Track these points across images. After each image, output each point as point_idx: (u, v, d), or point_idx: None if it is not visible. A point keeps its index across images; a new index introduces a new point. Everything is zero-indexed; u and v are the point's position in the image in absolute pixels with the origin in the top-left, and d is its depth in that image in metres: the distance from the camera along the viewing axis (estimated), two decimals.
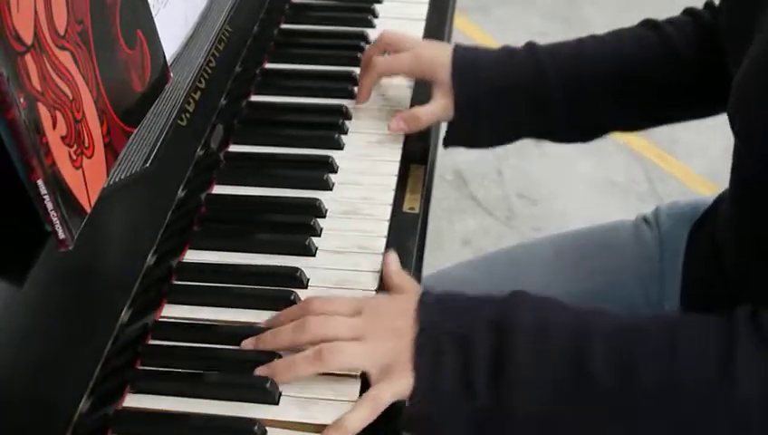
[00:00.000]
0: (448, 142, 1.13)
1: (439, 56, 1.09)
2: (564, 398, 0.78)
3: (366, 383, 0.81)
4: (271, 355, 0.83)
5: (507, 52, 1.11)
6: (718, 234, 1.05)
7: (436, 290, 0.84)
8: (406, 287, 0.88)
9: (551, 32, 3.02)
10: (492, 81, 1.08)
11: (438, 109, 1.08)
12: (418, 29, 1.29)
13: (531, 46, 1.11)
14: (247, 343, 0.83)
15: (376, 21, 1.31)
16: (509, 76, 1.08)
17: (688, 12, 1.13)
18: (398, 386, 0.79)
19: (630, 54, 1.10)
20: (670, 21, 1.13)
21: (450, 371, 0.78)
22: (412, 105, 1.14)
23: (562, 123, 1.13)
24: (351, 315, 0.83)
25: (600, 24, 3.02)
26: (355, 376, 0.82)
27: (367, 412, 0.78)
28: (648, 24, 1.13)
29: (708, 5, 1.12)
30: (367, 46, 1.24)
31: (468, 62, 1.08)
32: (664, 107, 1.14)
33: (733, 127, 0.88)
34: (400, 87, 1.17)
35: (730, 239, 1.01)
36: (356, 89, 1.14)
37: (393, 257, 0.92)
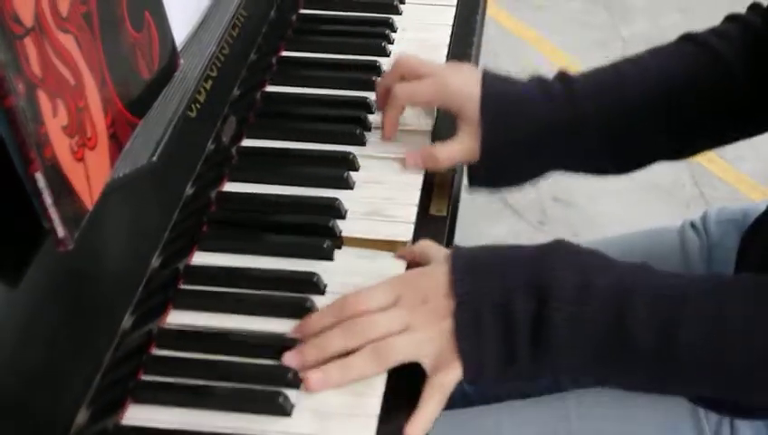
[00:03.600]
0: (472, 183, 1.09)
1: (467, 87, 1.04)
2: (603, 361, 0.84)
3: (387, 399, 0.82)
4: (283, 365, 0.83)
5: (541, 87, 1.06)
6: None
7: (463, 251, 0.88)
8: (431, 253, 0.92)
9: (591, 20, 3.01)
10: (525, 123, 1.04)
11: (461, 153, 1.04)
12: (448, 16, 1.28)
13: (565, 79, 1.07)
14: (289, 359, 0.84)
15: (402, 7, 1.30)
16: (545, 118, 1.04)
17: (732, 18, 1.10)
18: (455, 371, 0.84)
19: (675, 75, 1.06)
20: (714, 32, 1.09)
21: (493, 349, 0.84)
22: None
23: (602, 159, 1.10)
24: (390, 305, 0.86)
25: (642, 8, 3.04)
26: (375, 392, 0.82)
27: (438, 403, 0.84)
28: (691, 39, 1.09)
29: (756, 7, 1.09)
30: (392, 35, 1.24)
31: (499, 100, 1.04)
32: (715, 128, 1.10)
33: None
34: None
35: None
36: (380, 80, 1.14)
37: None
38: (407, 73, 1.07)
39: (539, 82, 1.07)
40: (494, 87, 1.04)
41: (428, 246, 0.93)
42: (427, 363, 0.84)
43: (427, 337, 0.84)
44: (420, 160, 1.05)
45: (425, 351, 0.84)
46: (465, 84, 1.04)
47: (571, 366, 0.86)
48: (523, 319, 0.83)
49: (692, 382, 0.87)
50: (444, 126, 1.09)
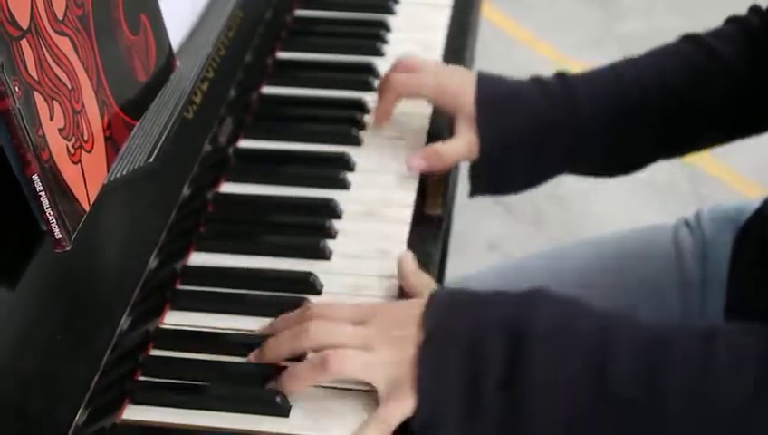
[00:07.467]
0: (475, 190, 1.09)
1: (463, 85, 1.05)
2: (583, 409, 0.76)
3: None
4: (277, 366, 0.83)
5: (538, 85, 1.07)
6: (766, 240, 1.04)
7: (450, 288, 0.83)
8: (421, 288, 0.87)
9: (586, 18, 3.01)
10: (522, 120, 1.04)
11: (463, 146, 1.04)
12: (443, 16, 1.28)
13: (563, 78, 1.08)
14: (251, 357, 0.83)
15: (397, 7, 1.30)
16: (542, 115, 1.05)
17: (733, 20, 1.11)
18: (406, 405, 0.77)
19: (675, 76, 1.07)
20: (714, 33, 1.10)
21: (455, 389, 0.77)
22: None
23: (602, 159, 1.11)
24: (357, 324, 0.81)
25: (637, 6, 3.04)
26: (373, 389, 0.81)
27: None
28: (691, 40, 1.10)
29: (756, 10, 1.10)
30: (387, 35, 1.24)
31: (495, 96, 1.04)
32: (715, 128, 1.11)
33: None
34: None
35: None
36: (376, 81, 1.14)
37: (409, 257, 0.91)
38: (408, 70, 1.07)
39: (536, 80, 1.08)
40: (490, 83, 1.06)
41: (418, 280, 0.89)
42: (379, 389, 0.79)
43: (384, 361, 0.78)
44: (424, 161, 1.03)
45: (376, 374, 0.78)
46: (461, 83, 1.05)
47: (544, 410, 0.76)
48: (494, 356, 0.76)
49: (677, 430, 0.78)
50: (441, 125, 1.10)
